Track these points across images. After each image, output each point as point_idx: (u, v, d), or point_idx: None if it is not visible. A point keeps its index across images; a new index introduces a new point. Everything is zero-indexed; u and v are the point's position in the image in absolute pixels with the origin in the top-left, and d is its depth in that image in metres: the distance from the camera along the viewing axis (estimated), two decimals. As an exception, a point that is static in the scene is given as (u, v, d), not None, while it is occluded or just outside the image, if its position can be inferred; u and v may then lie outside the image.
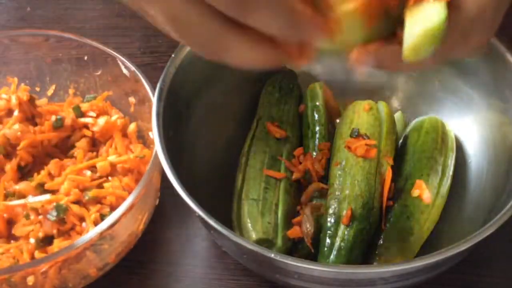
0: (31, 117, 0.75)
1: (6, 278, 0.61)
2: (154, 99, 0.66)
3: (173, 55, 0.69)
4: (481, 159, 0.71)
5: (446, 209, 0.68)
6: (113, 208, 0.67)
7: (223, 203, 0.69)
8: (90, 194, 0.68)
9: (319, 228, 0.66)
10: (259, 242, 0.64)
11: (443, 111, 0.74)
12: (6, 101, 0.74)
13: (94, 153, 0.73)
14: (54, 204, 0.66)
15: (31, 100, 0.75)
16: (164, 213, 0.73)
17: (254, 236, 0.65)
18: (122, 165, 0.71)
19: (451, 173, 0.70)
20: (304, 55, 0.49)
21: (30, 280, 0.62)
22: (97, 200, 0.68)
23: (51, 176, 0.71)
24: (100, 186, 0.69)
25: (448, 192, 0.69)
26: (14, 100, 0.74)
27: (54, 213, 0.66)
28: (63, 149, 0.75)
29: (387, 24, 0.49)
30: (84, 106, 0.76)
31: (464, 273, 0.67)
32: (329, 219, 0.65)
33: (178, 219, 0.73)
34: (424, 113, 0.74)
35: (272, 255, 0.57)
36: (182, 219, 0.73)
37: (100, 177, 0.70)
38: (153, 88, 0.69)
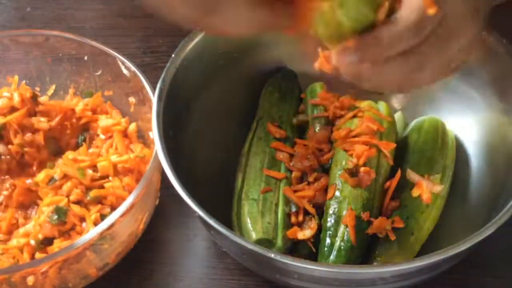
0: (34, 114, 0.75)
1: (6, 278, 0.61)
2: (154, 99, 0.66)
3: (173, 55, 0.69)
4: (481, 159, 0.71)
5: (446, 209, 0.68)
6: (113, 208, 0.67)
7: (223, 203, 0.69)
8: (91, 194, 0.68)
9: (319, 228, 0.66)
10: (259, 242, 0.64)
11: (443, 111, 0.74)
12: (8, 99, 0.74)
13: (95, 153, 0.73)
14: (54, 206, 0.66)
15: (34, 97, 0.75)
16: (164, 213, 0.73)
17: (254, 236, 0.65)
18: (122, 165, 0.71)
19: (451, 173, 0.70)
20: (302, 20, 0.47)
21: (30, 280, 0.62)
22: (98, 200, 0.68)
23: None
24: (100, 186, 0.69)
25: (448, 192, 0.69)
26: (16, 97, 0.74)
27: (55, 217, 0.66)
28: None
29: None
30: (80, 105, 0.76)
31: (464, 273, 0.67)
32: (329, 219, 0.65)
33: (178, 219, 0.73)
34: (424, 113, 0.74)
35: (272, 255, 0.57)
36: (182, 219, 0.73)
37: (101, 177, 0.70)
38: (153, 88, 0.69)
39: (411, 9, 0.48)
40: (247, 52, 0.75)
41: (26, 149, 0.73)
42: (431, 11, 0.47)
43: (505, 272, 0.68)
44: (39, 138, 0.73)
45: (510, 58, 0.68)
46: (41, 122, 0.74)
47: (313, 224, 0.65)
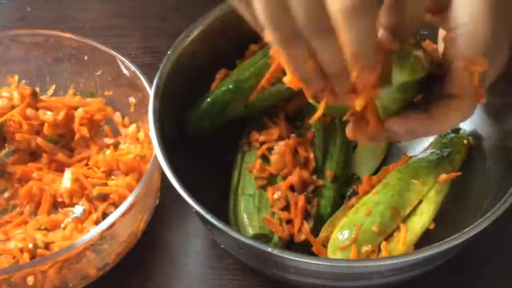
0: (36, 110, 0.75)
1: (6, 278, 0.61)
2: (150, 96, 0.66)
3: (169, 52, 0.69)
4: (479, 155, 0.71)
5: (444, 205, 0.68)
6: (116, 206, 0.67)
7: (223, 201, 0.69)
8: (95, 191, 0.68)
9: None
10: (256, 237, 0.64)
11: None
12: (8, 99, 0.74)
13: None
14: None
15: (34, 95, 0.75)
16: (164, 213, 0.73)
17: (251, 231, 0.65)
18: (123, 164, 0.71)
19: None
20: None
21: (30, 280, 0.62)
22: (103, 198, 0.68)
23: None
24: (104, 185, 0.70)
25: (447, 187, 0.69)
26: (16, 95, 0.74)
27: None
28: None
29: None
30: (80, 111, 0.76)
31: (459, 272, 0.67)
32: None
33: (178, 219, 0.73)
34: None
35: (269, 250, 0.57)
36: (182, 219, 0.73)
37: (104, 172, 0.70)
38: (154, 88, 0.69)
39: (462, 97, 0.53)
40: (244, 48, 0.76)
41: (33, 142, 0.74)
42: (482, 100, 0.52)
43: (498, 271, 0.68)
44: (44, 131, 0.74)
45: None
46: (47, 115, 0.74)
47: (305, 230, 0.65)
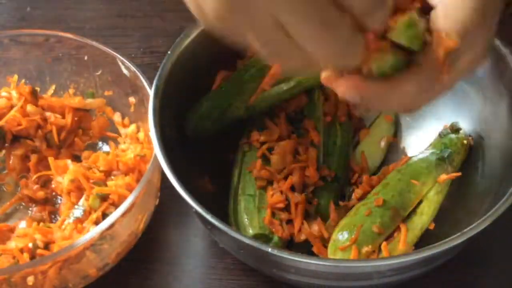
0: None
1: (6, 278, 0.61)
2: (150, 96, 0.66)
3: (169, 52, 0.69)
4: (479, 155, 0.71)
5: (445, 204, 0.68)
6: (116, 207, 0.67)
7: (223, 201, 0.69)
8: (95, 191, 0.68)
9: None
10: (256, 237, 0.64)
11: (438, 107, 0.74)
12: (6, 99, 0.74)
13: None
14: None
15: (33, 93, 0.75)
16: (164, 213, 0.73)
17: (251, 231, 0.65)
18: (123, 164, 0.71)
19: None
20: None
21: (30, 280, 0.62)
22: (103, 198, 0.68)
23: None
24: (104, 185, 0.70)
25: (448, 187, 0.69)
26: (15, 94, 0.74)
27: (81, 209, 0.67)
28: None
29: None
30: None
31: (459, 272, 0.67)
32: None
33: (178, 219, 0.73)
34: (421, 110, 0.74)
35: (269, 250, 0.57)
36: (182, 219, 0.73)
37: (103, 172, 0.70)
38: (154, 88, 0.69)
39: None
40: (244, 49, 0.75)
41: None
42: (444, 79, 0.50)
43: (505, 271, 0.68)
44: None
45: (504, 51, 0.68)
46: (58, 118, 0.74)
47: (305, 230, 0.65)
